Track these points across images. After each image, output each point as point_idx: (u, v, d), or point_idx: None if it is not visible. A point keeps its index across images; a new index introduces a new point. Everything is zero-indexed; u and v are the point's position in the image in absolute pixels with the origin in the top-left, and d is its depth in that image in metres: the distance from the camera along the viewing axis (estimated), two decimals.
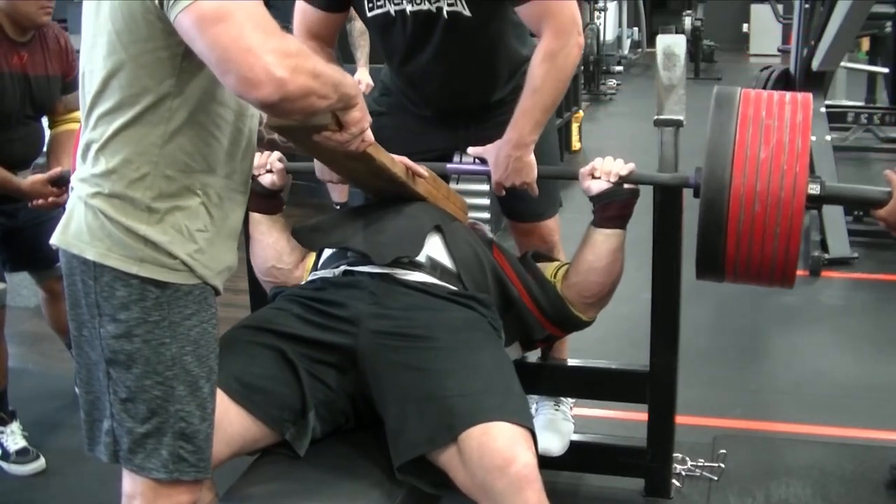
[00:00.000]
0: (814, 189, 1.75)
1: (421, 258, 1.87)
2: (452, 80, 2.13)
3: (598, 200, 2.00)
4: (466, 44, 2.06)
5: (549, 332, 2.09)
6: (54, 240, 1.49)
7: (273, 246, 2.10)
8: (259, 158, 2.09)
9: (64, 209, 2.54)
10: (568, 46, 1.95)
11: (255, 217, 2.12)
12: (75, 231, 1.46)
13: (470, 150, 2.13)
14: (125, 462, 1.50)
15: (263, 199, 2.10)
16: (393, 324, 1.75)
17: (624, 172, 1.97)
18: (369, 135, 1.59)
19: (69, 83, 2.71)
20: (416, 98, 2.24)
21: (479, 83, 2.17)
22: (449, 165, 2.18)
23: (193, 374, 1.47)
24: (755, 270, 1.82)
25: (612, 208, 1.99)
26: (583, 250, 2.02)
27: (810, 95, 1.84)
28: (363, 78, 4.43)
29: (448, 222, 1.99)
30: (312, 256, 2.09)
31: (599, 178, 1.99)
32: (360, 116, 1.52)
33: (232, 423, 1.65)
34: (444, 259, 1.91)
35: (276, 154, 2.12)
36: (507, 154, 2.03)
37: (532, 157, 2.05)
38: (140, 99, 1.40)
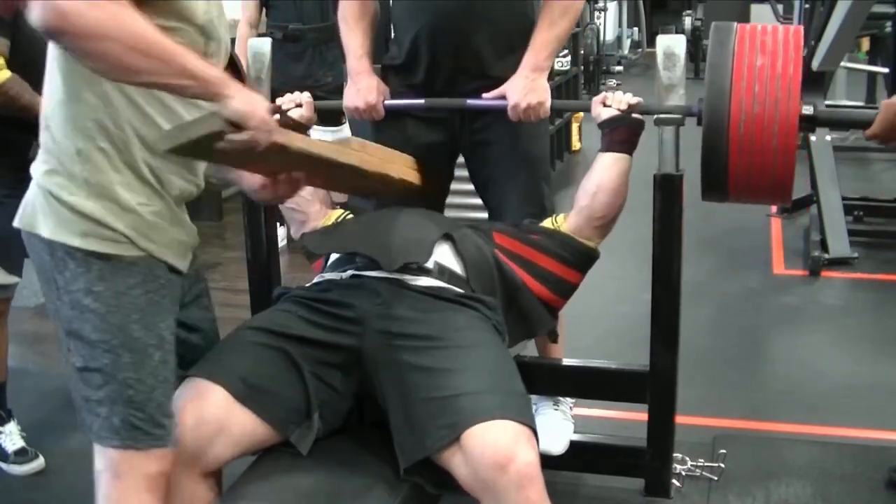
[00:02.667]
0: (807, 110, 1.87)
1: (429, 264, 1.88)
2: (472, 30, 2.17)
3: (608, 125, 2.08)
4: None
5: (554, 312, 2.12)
6: (17, 222, 1.53)
7: None
8: (286, 101, 2.23)
9: None
10: None
11: None
12: (30, 210, 1.51)
13: (485, 95, 2.18)
14: (87, 432, 1.54)
15: (292, 132, 2.17)
16: (398, 325, 1.76)
17: (633, 102, 2.07)
18: (272, 123, 1.50)
19: None
20: (422, 56, 2.22)
21: (493, 41, 2.20)
22: (469, 101, 2.20)
23: (140, 342, 1.50)
24: (755, 186, 1.91)
25: (620, 132, 2.07)
26: (591, 173, 2.09)
27: (801, 27, 1.97)
28: None
29: (457, 229, 2.01)
30: (337, 213, 2.19)
31: (610, 106, 2.08)
32: (249, 109, 1.42)
33: (238, 423, 1.66)
34: (454, 264, 1.93)
35: (305, 95, 2.25)
36: (525, 76, 2.13)
37: (546, 82, 2.16)
38: (72, 75, 1.43)
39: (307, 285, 1.98)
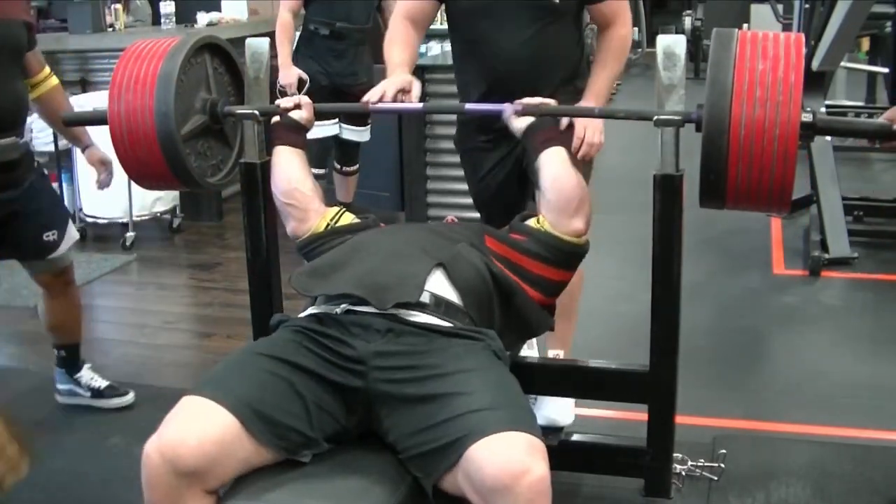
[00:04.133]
0: (807, 117, 1.87)
1: (424, 298, 1.85)
2: (525, 56, 2.39)
3: (529, 133, 2.15)
4: (547, 30, 2.40)
5: (550, 310, 2.14)
6: None
7: (298, 170, 2.19)
8: (285, 102, 2.26)
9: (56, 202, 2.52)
10: (629, 36, 2.48)
11: (280, 148, 2.23)
12: None
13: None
14: None
15: (291, 132, 2.24)
16: (398, 359, 1.74)
17: (549, 101, 2.17)
18: None
19: (32, 37, 2.65)
20: (479, 78, 2.46)
21: (544, 76, 2.42)
22: (467, 106, 2.30)
23: None
24: (755, 193, 1.90)
25: (540, 135, 2.14)
26: (539, 179, 2.13)
27: (802, 35, 1.96)
28: None
29: (450, 250, 1.97)
30: (333, 210, 2.18)
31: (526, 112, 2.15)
32: None
33: (242, 447, 1.64)
34: (449, 293, 1.89)
35: (304, 97, 2.29)
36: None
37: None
38: None
39: (302, 315, 1.94)
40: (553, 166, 2.10)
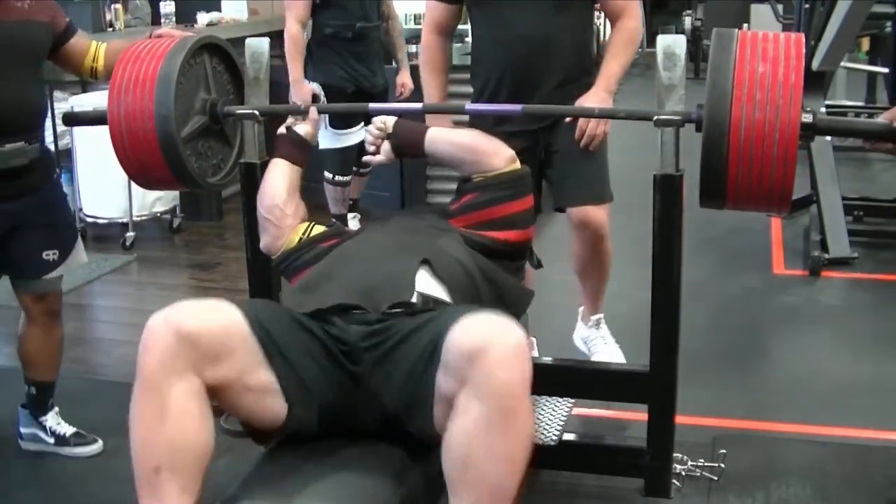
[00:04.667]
0: (807, 118, 1.87)
1: (413, 299, 1.85)
2: (541, 46, 2.59)
3: (395, 146, 2.20)
4: (562, 14, 2.60)
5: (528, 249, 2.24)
6: None
7: (285, 188, 2.18)
8: (298, 103, 2.23)
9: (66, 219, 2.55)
10: (638, 30, 2.67)
11: (278, 161, 2.22)
12: None
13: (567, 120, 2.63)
14: None
15: (294, 147, 2.24)
16: (384, 336, 1.76)
17: (390, 122, 2.21)
18: None
19: (64, 32, 2.51)
20: (496, 63, 2.65)
21: (558, 59, 2.63)
22: (468, 106, 2.38)
23: None
24: (755, 194, 1.91)
25: (405, 135, 2.20)
26: (443, 160, 2.24)
27: (802, 36, 1.95)
28: (406, 81, 4.43)
29: (433, 245, 1.98)
30: (304, 225, 2.17)
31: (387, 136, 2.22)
32: None
33: (244, 349, 1.67)
34: (437, 290, 1.90)
35: (314, 111, 2.28)
36: (601, 99, 2.53)
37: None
38: None
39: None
40: (441, 141, 2.19)
